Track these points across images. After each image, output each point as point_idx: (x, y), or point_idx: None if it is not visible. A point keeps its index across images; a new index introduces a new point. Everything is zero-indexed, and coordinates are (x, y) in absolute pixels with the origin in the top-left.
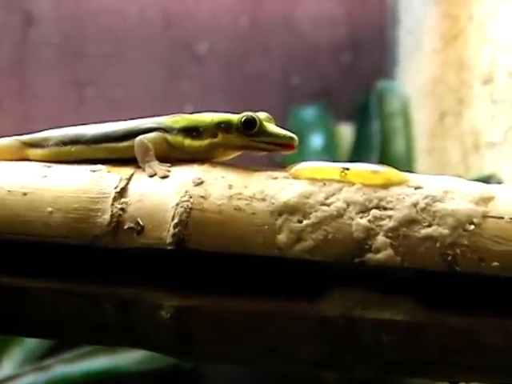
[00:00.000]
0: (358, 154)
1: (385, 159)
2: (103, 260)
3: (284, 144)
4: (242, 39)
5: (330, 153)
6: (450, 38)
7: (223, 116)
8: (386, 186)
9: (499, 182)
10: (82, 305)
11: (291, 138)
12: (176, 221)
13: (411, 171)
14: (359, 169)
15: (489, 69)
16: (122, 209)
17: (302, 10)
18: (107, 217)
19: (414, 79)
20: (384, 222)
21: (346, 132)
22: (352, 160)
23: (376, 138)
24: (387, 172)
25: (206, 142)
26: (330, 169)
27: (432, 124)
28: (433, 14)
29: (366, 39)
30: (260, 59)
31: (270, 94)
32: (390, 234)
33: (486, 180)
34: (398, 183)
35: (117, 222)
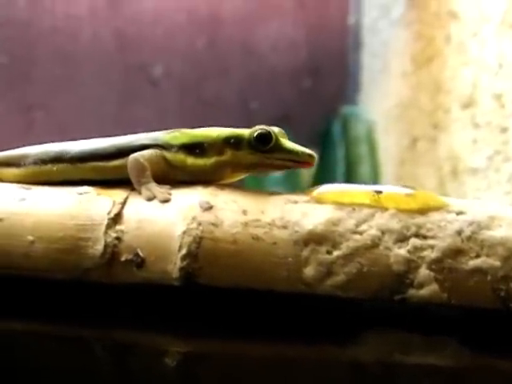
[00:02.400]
0: (321, 181)
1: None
2: (95, 297)
3: (301, 161)
4: (199, 62)
5: (290, 180)
6: (423, 60)
7: (232, 131)
8: (423, 211)
9: None
10: (69, 350)
11: (310, 156)
12: (184, 252)
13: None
14: (392, 192)
15: (470, 91)
16: (117, 238)
17: (262, 32)
18: (100, 247)
19: (380, 104)
20: (426, 253)
21: None
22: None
23: (340, 165)
24: (424, 195)
25: (211, 160)
26: (360, 192)
27: (402, 150)
28: (402, 36)
29: (328, 63)
30: (218, 83)
31: (228, 118)
32: (433, 267)
33: None
34: (437, 208)
35: (112, 253)
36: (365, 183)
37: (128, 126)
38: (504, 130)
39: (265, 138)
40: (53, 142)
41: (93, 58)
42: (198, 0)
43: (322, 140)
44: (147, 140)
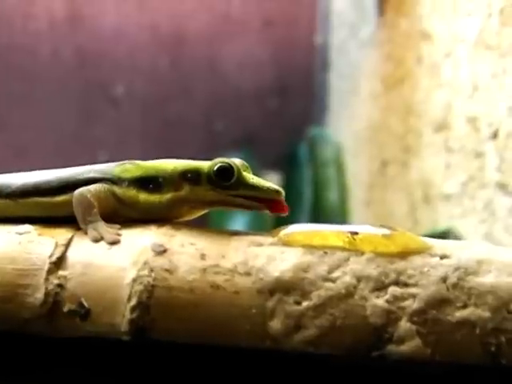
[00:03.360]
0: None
1: (317, 211)
2: (37, 350)
3: (268, 199)
4: (161, 81)
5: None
6: (394, 81)
7: (189, 164)
8: (403, 254)
9: (457, 237)
10: None
11: (277, 192)
12: (134, 303)
13: (344, 216)
14: (369, 233)
15: (442, 114)
16: (59, 285)
17: (226, 51)
18: (40, 295)
19: (349, 126)
20: (407, 303)
21: (272, 181)
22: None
23: (307, 188)
24: (403, 236)
25: (167, 196)
26: (332, 233)
27: (371, 174)
28: (371, 57)
29: (294, 83)
30: (181, 103)
31: (191, 140)
32: (415, 319)
33: (442, 235)
34: (419, 251)
35: (53, 302)
36: (332, 208)
37: (88, 146)
38: (479, 154)
39: (226, 173)
40: (13, 164)
41: (52, 76)
42: (161, 17)
43: (288, 163)
44: (95, 173)
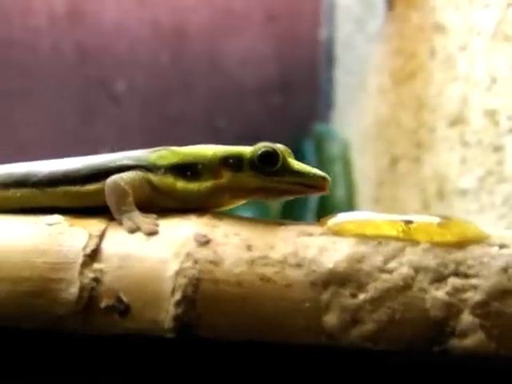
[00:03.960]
0: (292, 203)
1: (323, 209)
2: (71, 349)
3: (314, 185)
4: (163, 77)
5: (258, 201)
6: (404, 76)
7: (230, 149)
8: (461, 244)
9: None
10: None
11: (323, 178)
12: (178, 297)
13: None
14: (423, 221)
15: (458, 108)
16: (95, 279)
17: (228, 46)
18: (75, 290)
19: (356, 122)
20: (468, 295)
21: None
22: (286, 211)
23: None
24: (460, 225)
25: (206, 184)
26: (385, 222)
27: (380, 170)
28: (379, 52)
29: (298, 79)
30: (182, 99)
31: (193, 137)
32: (478, 311)
33: None
34: (477, 240)
35: (89, 297)
36: (339, 205)
37: (88, 143)
38: (498, 148)
39: (270, 158)
40: (13, 161)
41: (52, 72)
42: (162, 12)
43: (294, 159)
44: (128, 160)
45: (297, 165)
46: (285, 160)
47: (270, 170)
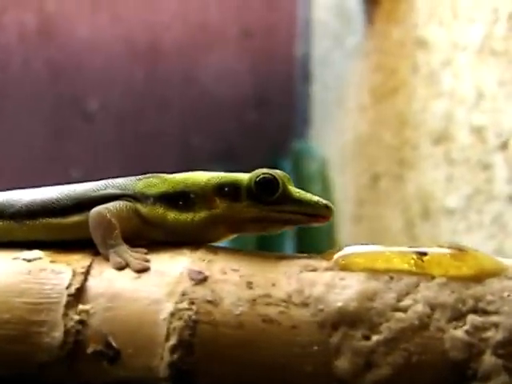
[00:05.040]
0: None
1: (301, 229)
2: None
3: (316, 215)
4: (136, 95)
5: None
6: (384, 92)
7: (225, 176)
8: (478, 277)
9: None
10: None
11: (327, 208)
12: (174, 342)
13: (333, 243)
14: (437, 253)
15: (442, 125)
16: (81, 321)
17: (203, 63)
18: (59, 334)
19: (335, 139)
20: (489, 334)
21: None
22: (263, 236)
23: None
24: (475, 256)
25: (200, 214)
26: (396, 255)
27: (360, 188)
28: (358, 68)
29: (274, 96)
30: (157, 116)
31: (167, 155)
32: (500, 352)
33: None
34: (494, 273)
35: (74, 342)
36: (319, 227)
37: (59, 163)
38: (486, 166)
39: (270, 186)
40: None
41: (22, 90)
42: (136, 28)
43: None
44: (113, 188)
45: (297, 192)
46: (285, 187)
47: (269, 199)
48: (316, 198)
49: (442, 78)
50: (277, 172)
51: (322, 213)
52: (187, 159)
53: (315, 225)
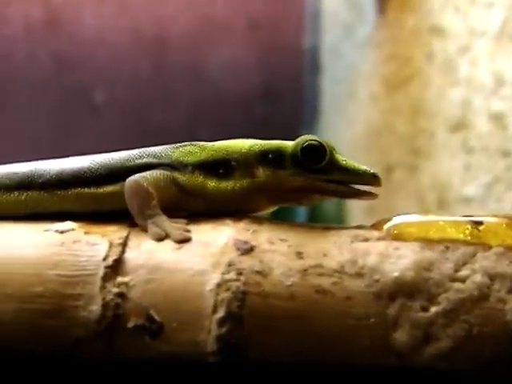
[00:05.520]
0: (281, 215)
1: (313, 219)
2: (93, 379)
3: (366, 183)
4: (143, 87)
5: None
6: (397, 82)
7: (268, 143)
8: None
9: None
10: None
11: (375, 177)
12: (221, 314)
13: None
14: (493, 222)
15: (460, 113)
16: (120, 294)
17: (211, 55)
18: (96, 308)
19: (346, 131)
20: None
21: None
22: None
23: None
24: None
25: (242, 183)
26: (450, 224)
27: None
28: (370, 58)
29: (282, 88)
30: (164, 109)
31: None
32: None
33: None
34: None
35: (113, 316)
36: (329, 217)
37: (67, 155)
38: (506, 153)
39: (316, 153)
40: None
41: (28, 82)
42: (142, 20)
43: None
44: (149, 157)
45: (344, 161)
46: (332, 155)
47: (315, 167)
48: (364, 167)
49: (459, 66)
50: (324, 139)
51: (370, 181)
52: None
53: (361, 199)
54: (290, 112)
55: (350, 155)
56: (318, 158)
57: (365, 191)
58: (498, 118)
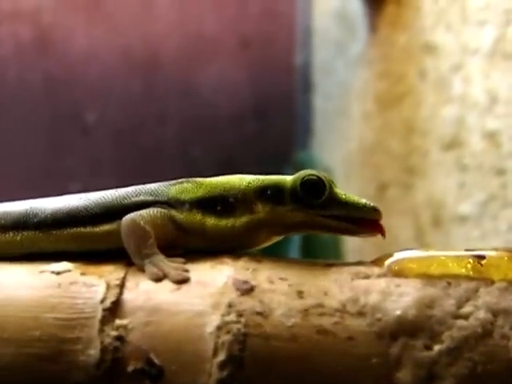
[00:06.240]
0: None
1: (306, 242)
2: None
3: (364, 220)
4: (135, 107)
5: None
6: (390, 100)
7: (266, 178)
8: None
9: None
10: None
11: (376, 211)
12: (222, 357)
13: (339, 253)
14: (495, 256)
15: (453, 131)
16: (119, 337)
17: (202, 74)
18: (95, 352)
19: (338, 149)
20: None
21: None
22: (267, 247)
23: None
24: None
25: (241, 219)
26: (451, 259)
27: (367, 198)
28: (362, 76)
29: (274, 106)
30: (156, 129)
31: (167, 167)
32: None
33: None
34: None
35: (112, 360)
36: (324, 243)
37: (58, 177)
38: (500, 171)
39: (315, 188)
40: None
41: (19, 103)
42: (133, 39)
43: None
44: (145, 195)
45: (344, 195)
46: (332, 189)
47: (314, 202)
48: (364, 201)
49: (452, 83)
50: (322, 173)
51: (372, 216)
52: (187, 172)
53: (362, 236)
54: (282, 130)
55: (343, 173)
56: (317, 193)
57: (366, 228)
58: (492, 136)
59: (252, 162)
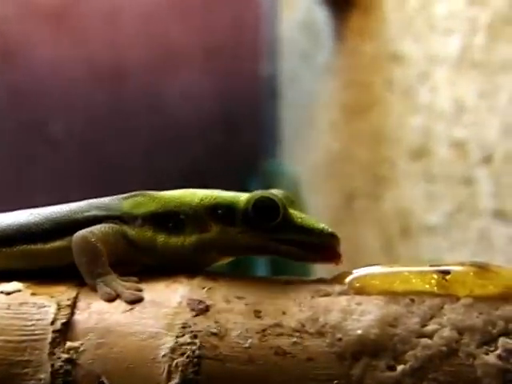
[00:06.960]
0: (242, 260)
1: (276, 263)
2: None
3: (321, 246)
4: (100, 119)
5: None
6: (357, 109)
7: (220, 196)
8: (505, 296)
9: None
10: None
11: (333, 237)
12: (176, 380)
13: (308, 268)
14: (459, 271)
15: (420, 141)
16: (69, 360)
17: (168, 84)
18: (45, 376)
19: (305, 158)
20: None
21: None
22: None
23: None
24: (499, 273)
25: (191, 238)
26: (414, 275)
27: (334, 208)
28: (329, 86)
29: (241, 116)
30: (122, 141)
31: (133, 179)
32: None
33: None
34: None
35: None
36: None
37: (22, 191)
38: (468, 181)
39: (268, 211)
40: None
41: None
42: (98, 50)
43: None
44: (97, 210)
45: (300, 218)
46: (286, 212)
47: (267, 225)
48: (321, 226)
49: (419, 93)
50: (277, 195)
51: (328, 242)
52: (153, 184)
53: (316, 263)
54: (250, 140)
55: (310, 183)
56: (270, 216)
57: (321, 255)
58: (459, 145)
59: (219, 173)
